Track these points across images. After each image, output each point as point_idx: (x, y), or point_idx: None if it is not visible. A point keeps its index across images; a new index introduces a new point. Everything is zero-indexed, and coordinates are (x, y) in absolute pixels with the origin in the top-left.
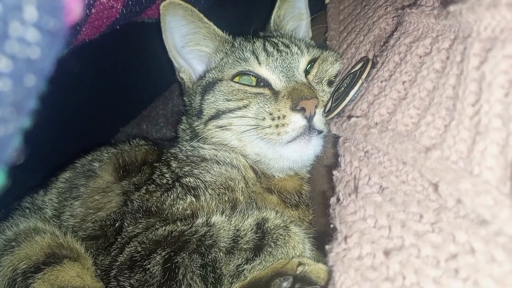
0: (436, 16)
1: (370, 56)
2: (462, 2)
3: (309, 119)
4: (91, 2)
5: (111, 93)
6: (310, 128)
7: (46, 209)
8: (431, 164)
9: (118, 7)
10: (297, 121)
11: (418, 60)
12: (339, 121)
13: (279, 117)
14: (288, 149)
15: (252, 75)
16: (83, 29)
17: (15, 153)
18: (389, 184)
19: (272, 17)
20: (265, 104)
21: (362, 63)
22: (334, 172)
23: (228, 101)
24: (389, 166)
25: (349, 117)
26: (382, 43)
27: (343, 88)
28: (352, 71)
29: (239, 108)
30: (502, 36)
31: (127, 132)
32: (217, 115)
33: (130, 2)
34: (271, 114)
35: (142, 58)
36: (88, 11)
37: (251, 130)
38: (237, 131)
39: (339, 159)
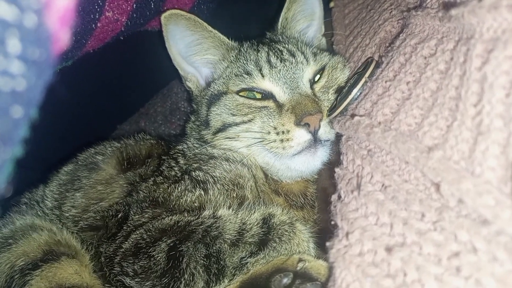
0: (441, 18)
1: (376, 58)
2: (463, 5)
3: (314, 133)
4: (97, 16)
5: (109, 90)
6: (315, 141)
7: (46, 201)
8: (433, 164)
9: (123, 20)
10: (301, 136)
11: (423, 61)
12: (342, 120)
13: (283, 132)
14: (294, 161)
15: (256, 91)
16: (89, 42)
17: (4, 184)
18: (391, 182)
19: (280, 19)
20: (269, 118)
21: (367, 63)
22: (336, 170)
23: (233, 115)
24: (391, 165)
25: (353, 115)
26: (387, 45)
27: (347, 88)
28: (358, 71)
29: (244, 122)
30: (504, 37)
31: (125, 130)
32: (223, 128)
33: (135, 15)
34: (275, 128)
35: (140, 55)
36: (93, 25)
37: (258, 143)
38: (245, 143)
39: (342, 157)
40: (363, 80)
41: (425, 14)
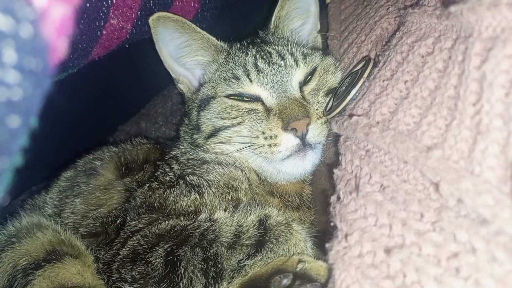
0: (438, 16)
1: (372, 56)
2: (463, 2)
3: (302, 137)
4: (102, 24)
5: (110, 92)
6: (304, 144)
7: (46, 208)
8: (432, 163)
9: (128, 27)
10: (289, 140)
11: (420, 60)
12: (340, 120)
13: (271, 137)
14: (284, 165)
15: (244, 97)
16: (94, 49)
17: (2, 194)
18: (390, 183)
19: (273, 17)
20: (257, 122)
21: (363, 62)
22: (335, 171)
23: (223, 119)
24: (390, 165)
25: (351, 115)
26: (384, 43)
27: (344, 87)
28: (354, 70)
29: (234, 126)
30: (503, 36)
31: (126, 131)
32: (214, 132)
33: (140, 23)
34: (263, 133)
35: (141, 56)
36: (99, 32)
37: (247, 148)
38: (236, 147)
39: (340, 158)
40: (361, 80)
41: (422, 11)
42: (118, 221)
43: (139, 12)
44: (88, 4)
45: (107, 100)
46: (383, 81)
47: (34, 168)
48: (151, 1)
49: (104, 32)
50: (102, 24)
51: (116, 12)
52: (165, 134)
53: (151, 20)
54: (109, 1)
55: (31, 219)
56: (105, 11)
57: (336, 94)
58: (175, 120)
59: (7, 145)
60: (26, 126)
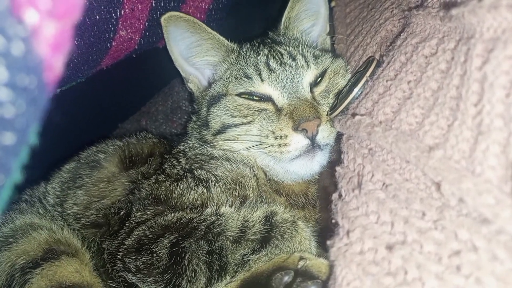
0: (442, 18)
1: (377, 57)
2: (463, 5)
3: (312, 138)
4: (111, 35)
5: (111, 89)
6: (313, 145)
7: (48, 198)
8: (434, 163)
9: (136, 38)
10: (299, 141)
11: (424, 61)
12: (343, 119)
13: (281, 137)
14: (293, 165)
15: (254, 96)
16: (104, 60)
17: None
18: (392, 181)
19: (283, 18)
20: (268, 122)
21: (367, 62)
22: (337, 168)
23: (233, 117)
24: (392, 164)
25: (354, 115)
26: (388, 44)
27: (348, 86)
28: (359, 71)
29: (244, 124)
30: (504, 37)
31: (126, 128)
32: (223, 129)
33: (148, 33)
34: (273, 132)
35: (142, 55)
36: (108, 44)
37: (256, 146)
38: (245, 145)
39: (342, 156)
40: (364, 79)
41: (426, 13)
42: (122, 212)
43: (146, 23)
44: (97, 17)
45: (108, 97)
46: (387, 81)
47: (35, 166)
48: (159, 12)
49: (113, 43)
50: (111, 35)
51: (125, 23)
52: (166, 132)
53: (163, 19)
54: (118, 13)
55: (24, 220)
56: (114, 23)
57: (340, 93)
58: (175, 118)
59: (3, 163)
60: (23, 144)
